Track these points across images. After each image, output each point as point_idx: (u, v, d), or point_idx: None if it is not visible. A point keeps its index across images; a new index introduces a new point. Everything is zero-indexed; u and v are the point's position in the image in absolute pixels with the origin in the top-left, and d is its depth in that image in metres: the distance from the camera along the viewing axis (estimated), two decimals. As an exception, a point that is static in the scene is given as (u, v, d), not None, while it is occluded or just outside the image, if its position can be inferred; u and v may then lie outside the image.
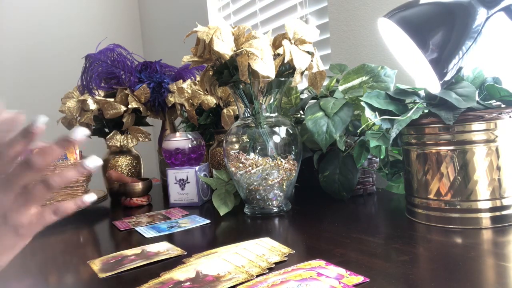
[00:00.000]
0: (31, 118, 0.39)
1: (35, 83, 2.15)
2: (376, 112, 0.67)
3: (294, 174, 0.82)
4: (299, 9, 1.32)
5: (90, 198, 0.43)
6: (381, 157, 0.79)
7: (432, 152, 0.64)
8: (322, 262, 0.52)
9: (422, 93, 0.69)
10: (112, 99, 1.16)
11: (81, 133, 0.40)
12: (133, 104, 1.14)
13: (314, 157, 0.91)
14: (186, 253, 0.62)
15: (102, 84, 1.20)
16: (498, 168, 0.61)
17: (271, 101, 0.83)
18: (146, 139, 1.22)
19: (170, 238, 0.73)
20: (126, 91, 1.16)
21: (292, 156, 0.81)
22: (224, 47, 0.75)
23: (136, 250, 0.66)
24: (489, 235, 0.58)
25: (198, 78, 1.26)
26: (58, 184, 0.40)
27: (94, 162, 0.41)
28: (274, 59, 0.77)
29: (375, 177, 0.94)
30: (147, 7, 2.42)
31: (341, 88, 0.88)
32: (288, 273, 0.49)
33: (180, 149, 1.04)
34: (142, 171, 1.28)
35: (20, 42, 2.13)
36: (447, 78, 0.59)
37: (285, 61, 0.77)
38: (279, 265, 0.53)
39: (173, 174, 1.00)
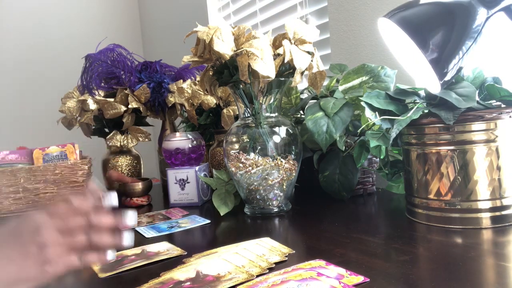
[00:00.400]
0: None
1: (35, 83, 2.15)
2: (376, 112, 0.67)
3: (294, 174, 0.82)
4: (299, 9, 1.32)
5: (110, 256, 0.46)
6: (381, 157, 0.79)
7: (432, 152, 0.64)
8: (322, 262, 0.52)
9: (422, 93, 0.69)
10: (112, 99, 1.16)
11: (130, 222, 0.47)
12: (133, 104, 1.14)
13: (314, 157, 0.91)
14: (186, 253, 0.62)
15: (102, 84, 1.20)
16: (498, 168, 0.61)
17: (271, 101, 0.83)
18: (146, 139, 1.22)
19: (170, 238, 0.73)
20: (126, 91, 1.16)
21: (292, 156, 0.81)
22: (224, 47, 0.75)
23: (136, 250, 0.66)
24: (489, 235, 0.58)
25: (198, 78, 1.26)
26: (96, 242, 0.44)
27: (130, 221, 0.47)
28: (274, 59, 0.77)
29: (375, 177, 0.94)
30: (147, 7, 2.42)
31: (341, 88, 0.88)
32: (288, 273, 0.49)
33: (180, 149, 1.04)
34: (142, 171, 1.28)
35: (20, 42, 2.13)
36: (447, 78, 0.59)
37: (285, 61, 0.77)
38: (279, 265, 0.53)
39: (173, 174, 1.00)
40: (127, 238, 0.46)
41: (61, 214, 0.43)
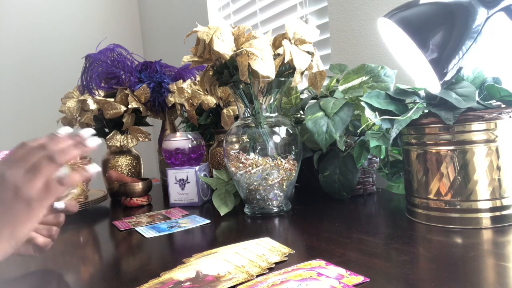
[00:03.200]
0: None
1: (35, 83, 2.15)
2: (376, 112, 0.67)
3: (294, 174, 0.82)
4: (299, 9, 1.32)
5: (94, 169, 0.48)
6: (381, 157, 0.79)
7: (432, 152, 0.64)
8: (322, 262, 0.52)
9: (422, 93, 0.69)
10: (112, 99, 1.16)
11: (92, 142, 0.49)
12: (133, 104, 1.14)
13: (314, 157, 0.91)
14: (254, 276, 0.49)
15: (102, 84, 1.20)
16: (498, 168, 0.61)
17: (271, 101, 0.83)
18: (146, 139, 1.22)
19: (170, 238, 0.73)
20: (126, 91, 1.16)
21: (292, 156, 0.81)
22: (224, 47, 0.75)
23: (187, 270, 0.53)
24: (489, 235, 0.58)
25: (198, 78, 1.26)
26: (61, 159, 0.46)
27: (95, 141, 0.49)
28: (274, 59, 0.77)
29: (375, 177, 0.94)
30: (147, 7, 2.42)
31: (341, 88, 0.88)
32: (288, 273, 0.49)
33: (180, 149, 1.04)
34: (142, 171, 1.28)
35: (20, 42, 2.13)
36: (447, 78, 0.59)
37: (285, 61, 0.77)
38: (279, 265, 0.53)
39: (173, 174, 1.00)
40: (92, 141, 0.48)
41: (19, 157, 0.45)
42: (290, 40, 0.78)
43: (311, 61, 0.80)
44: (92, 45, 1.21)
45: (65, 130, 0.50)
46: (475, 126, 0.60)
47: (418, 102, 0.66)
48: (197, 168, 1.00)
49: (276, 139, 0.81)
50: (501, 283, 0.43)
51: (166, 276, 0.52)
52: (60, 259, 0.68)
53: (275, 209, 0.82)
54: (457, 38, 0.57)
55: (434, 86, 0.63)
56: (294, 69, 0.79)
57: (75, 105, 1.22)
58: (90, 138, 0.49)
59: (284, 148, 0.81)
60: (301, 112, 1.01)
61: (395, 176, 0.82)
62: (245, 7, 1.61)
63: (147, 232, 0.77)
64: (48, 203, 0.45)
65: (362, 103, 0.68)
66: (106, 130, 1.25)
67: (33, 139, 0.47)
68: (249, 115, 0.83)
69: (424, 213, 0.66)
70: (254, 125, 0.82)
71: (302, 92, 1.05)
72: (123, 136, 1.21)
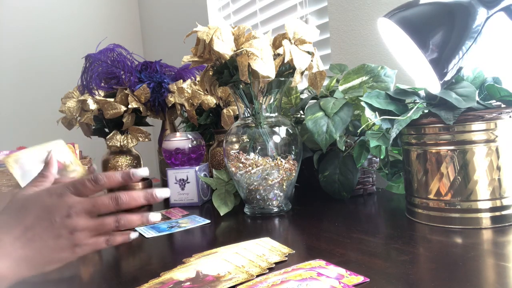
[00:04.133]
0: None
1: (35, 83, 2.15)
2: (376, 112, 0.67)
3: (294, 174, 0.82)
4: (299, 9, 1.32)
5: (134, 236, 0.49)
6: (381, 157, 0.79)
7: (432, 152, 0.64)
8: (322, 262, 0.52)
9: (422, 93, 0.69)
10: (112, 99, 1.16)
11: (163, 194, 0.49)
12: (133, 104, 1.14)
13: (314, 157, 0.91)
14: (254, 277, 0.50)
15: (102, 84, 1.19)
16: (498, 168, 0.61)
17: (271, 101, 0.83)
18: (146, 139, 1.22)
19: (170, 238, 0.73)
20: (126, 91, 1.16)
21: (292, 156, 0.81)
22: (224, 47, 0.75)
23: (187, 270, 0.53)
24: (489, 235, 0.58)
25: (198, 78, 1.26)
26: (124, 224, 0.47)
27: (163, 193, 0.48)
28: (274, 59, 0.77)
29: (375, 177, 0.94)
30: (147, 7, 2.42)
31: (341, 88, 0.88)
32: (288, 273, 0.49)
33: (180, 149, 1.04)
34: (142, 171, 1.28)
35: (20, 42, 2.13)
36: (447, 78, 0.59)
37: (285, 61, 0.77)
38: (279, 265, 0.53)
39: (173, 174, 1.00)
40: (154, 215, 0.48)
41: (90, 195, 0.46)
42: (290, 40, 0.78)
43: (311, 61, 0.80)
44: (92, 45, 1.21)
45: (144, 172, 0.49)
46: (475, 126, 0.60)
47: (418, 102, 0.66)
48: (197, 168, 1.00)
49: (276, 139, 0.81)
50: (501, 283, 0.43)
51: (166, 276, 0.52)
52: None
53: (275, 209, 0.82)
54: (457, 38, 0.57)
55: (434, 86, 0.63)
56: (294, 69, 0.79)
57: (75, 105, 1.22)
58: (153, 215, 0.49)
59: (284, 148, 0.81)
60: (301, 112, 1.01)
61: (395, 176, 0.82)
62: (245, 7, 1.61)
63: (147, 232, 0.77)
64: (86, 253, 0.46)
65: (362, 103, 0.68)
66: (106, 130, 1.25)
67: (109, 174, 0.47)
68: (249, 115, 0.83)
69: (424, 213, 0.66)
70: (254, 125, 0.82)
71: (302, 92, 1.05)
72: (123, 136, 1.21)
